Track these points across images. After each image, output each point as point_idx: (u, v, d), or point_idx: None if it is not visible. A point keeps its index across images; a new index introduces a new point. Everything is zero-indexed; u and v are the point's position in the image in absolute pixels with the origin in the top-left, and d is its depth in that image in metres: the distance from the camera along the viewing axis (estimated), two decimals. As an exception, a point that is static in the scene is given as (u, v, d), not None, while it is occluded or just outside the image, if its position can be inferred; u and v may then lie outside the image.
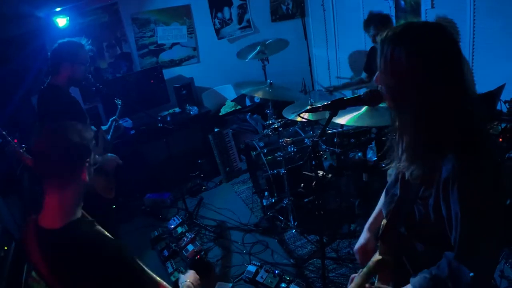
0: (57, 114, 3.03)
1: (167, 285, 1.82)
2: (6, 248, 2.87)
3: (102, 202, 3.33)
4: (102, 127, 3.75)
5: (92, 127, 3.51)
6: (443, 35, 1.34)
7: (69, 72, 3.14)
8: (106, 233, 1.70)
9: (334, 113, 1.84)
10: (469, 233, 1.33)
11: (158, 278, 1.81)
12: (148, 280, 1.71)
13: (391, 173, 1.86)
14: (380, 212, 1.94)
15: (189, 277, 2.07)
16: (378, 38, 3.92)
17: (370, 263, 1.68)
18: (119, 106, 4.05)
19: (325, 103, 1.79)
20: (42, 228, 1.62)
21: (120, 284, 1.62)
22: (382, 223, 1.73)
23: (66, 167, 1.64)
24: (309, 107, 3.70)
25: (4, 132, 2.84)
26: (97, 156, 3.10)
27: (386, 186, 1.76)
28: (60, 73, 3.14)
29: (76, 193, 1.68)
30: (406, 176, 1.54)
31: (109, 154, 3.43)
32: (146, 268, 1.76)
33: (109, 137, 3.70)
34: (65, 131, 1.65)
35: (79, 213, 1.71)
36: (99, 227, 1.72)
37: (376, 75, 1.46)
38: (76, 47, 3.17)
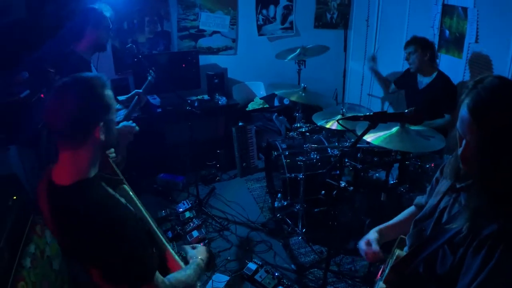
0: None
1: (176, 258, 1.81)
2: (15, 198, 2.87)
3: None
4: (118, 97, 3.69)
5: None
6: None
7: (94, 38, 3.16)
8: (119, 198, 1.68)
9: (373, 125, 1.82)
10: None
11: (169, 249, 1.78)
12: (148, 259, 1.67)
13: (417, 203, 1.84)
14: (393, 226, 1.94)
15: (200, 253, 2.02)
16: (413, 57, 3.90)
17: None
18: (149, 79, 3.90)
19: (367, 114, 1.78)
20: (52, 182, 1.61)
21: (116, 254, 1.58)
22: (398, 253, 1.71)
23: (78, 127, 1.57)
24: (340, 116, 3.70)
25: (51, 71, 2.87)
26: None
27: (417, 217, 1.71)
28: (83, 38, 3.16)
29: (89, 152, 1.63)
30: (445, 218, 1.52)
31: (124, 123, 3.37)
32: (160, 238, 1.74)
33: (130, 108, 3.67)
34: (86, 84, 1.61)
35: (93, 172, 1.66)
36: (121, 194, 1.70)
37: (464, 152, 1.38)
38: (98, 12, 3.20)
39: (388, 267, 1.71)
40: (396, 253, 1.73)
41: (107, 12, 3.25)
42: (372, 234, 1.92)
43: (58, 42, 3.58)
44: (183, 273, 1.86)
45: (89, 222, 1.52)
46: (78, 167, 1.60)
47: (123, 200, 1.69)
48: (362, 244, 1.93)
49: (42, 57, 3.58)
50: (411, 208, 1.94)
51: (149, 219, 1.84)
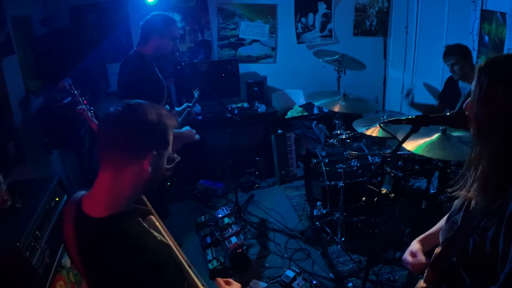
0: (137, 81, 3.11)
1: None
2: (57, 199, 2.96)
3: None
4: (176, 108, 3.82)
5: (166, 106, 3.58)
6: None
7: (157, 45, 3.22)
8: (156, 233, 1.54)
9: (416, 129, 1.80)
10: None
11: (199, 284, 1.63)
12: None
13: (456, 203, 1.81)
14: (434, 233, 1.89)
15: None
16: (456, 68, 3.83)
17: None
18: (196, 96, 4.13)
19: (410, 116, 1.76)
20: (82, 213, 1.43)
21: None
22: (436, 251, 1.68)
23: (129, 144, 1.40)
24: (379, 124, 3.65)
25: (76, 92, 2.94)
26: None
27: (449, 212, 1.70)
28: (148, 43, 3.22)
29: (131, 182, 1.43)
30: (471, 205, 1.50)
31: (188, 127, 3.43)
32: (192, 276, 1.62)
33: (180, 120, 3.78)
34: (144, 108, 1.44)
35: (130, 207, 1.49)
36: (149, 225, 1.56)
37: (467, 101, 1.43)
38: (168, 21, 3.25)
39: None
40: (436, 251, 1.70)
41: (175, 24, 3.32)
42: (415, 245, 1.88)
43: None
44: None
45: (126, 260, 1.36)
46: (115, 197, 1.43)
47: (156, 234, 1.55)
48: (407, 257, 1.89)
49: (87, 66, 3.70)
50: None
51: (176, 251, 1.69)
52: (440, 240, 1.68)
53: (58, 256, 2.69)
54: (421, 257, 1.79)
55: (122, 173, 1.41)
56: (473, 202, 1.50)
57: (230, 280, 1.85)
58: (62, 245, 2.77)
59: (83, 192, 1.51)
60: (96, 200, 1.43)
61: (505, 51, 4.08)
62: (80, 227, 1.43)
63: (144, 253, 1.38)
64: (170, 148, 1.52)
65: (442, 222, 1.91)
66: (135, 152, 1.41)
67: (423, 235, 1.93)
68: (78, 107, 2.93)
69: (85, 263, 1.44)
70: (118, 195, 1.43)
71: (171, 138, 1.51)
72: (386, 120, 1.94)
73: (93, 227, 1.39)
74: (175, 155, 1.55)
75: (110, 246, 1.36)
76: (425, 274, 1.66)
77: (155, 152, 1.43)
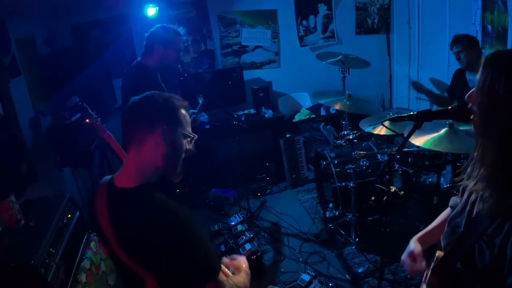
0: (139, 90, 3.12)
1: (226, 269, 1.82)
2: (69, 216, 2.99)
3: (168, 184, 3.41)
4: None
5: None
6: None
7: (161, 55, 3.26)
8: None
9: (419, 125, 1.79)
10: None
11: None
12: (213, 257, 1.64)
13: (452, 204, 1.79)
14: (433, 229, 1.88)
15: (243, 262, 1.98)
16: (462, 56, 3.83)
17: None
18: (200, 102, 4.16)
19: (411, 113, 1.75)
20: (115, 187, 1.64)
21: (183, 254, 1.54)
22: (438, 254, 1.66)
23: (141, 120, 1.64)
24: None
25: (85, 105, 2.96)
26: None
27: (450, 216, 1.67)
28: (152, 54, 3.26)
29: (152, 154, 1.63)
30: (475, 211, 1.47)
31: None
32: None
33: None
34: (155, 93, 1.71)
35: (156, 179, 1.69)
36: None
37: (470, 91, 1.42)
38: (172, 33, 3.30)
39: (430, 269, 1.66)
40: (436, 255, 1.68)
41: (179, 36, 3.35)
42: (415, 246, 1.86)
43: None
44: (239, 278, 1.84)
45: (155, 225, 1.51)
46: (142, 168, 1.64)
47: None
48: (406, 259, 1.88)
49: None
50: (447, 210, 1.88)
51: None
52: (442, 244, 1.66)
53: (73, 272, 2.71)
54: (421, 264, 1.78)
55: (142, 147, 1.63)
56: (476, 206, 1.48)
57: (235, 257, 2.03)
58: (77, 260, 2.81)
59: (109, 176, 1.72)
60: (126, 174, 1.66)
61: (509, 40, 4.05)
62: (113, 199, 1.63)
63: (175, 215, 1.55)
64: (186, 127, 1.72)
65: (439, 219, 1.89)
66: (146, 126, 1.63)
67: (421, 234, 1.91)
68: (90, 118, 2.95)
69: (118, 235, 1.59)
70: (144, 167, 1.65)
71: (183, 117, 1.70)
72: (388, 118, 1.93)
73: (127, 196, 1.60)
74: (193, 134, 1.76)
75: (143, 210, 1.54)
76: (427, 278, 1.64)
77: (165, 127, 1.63)
